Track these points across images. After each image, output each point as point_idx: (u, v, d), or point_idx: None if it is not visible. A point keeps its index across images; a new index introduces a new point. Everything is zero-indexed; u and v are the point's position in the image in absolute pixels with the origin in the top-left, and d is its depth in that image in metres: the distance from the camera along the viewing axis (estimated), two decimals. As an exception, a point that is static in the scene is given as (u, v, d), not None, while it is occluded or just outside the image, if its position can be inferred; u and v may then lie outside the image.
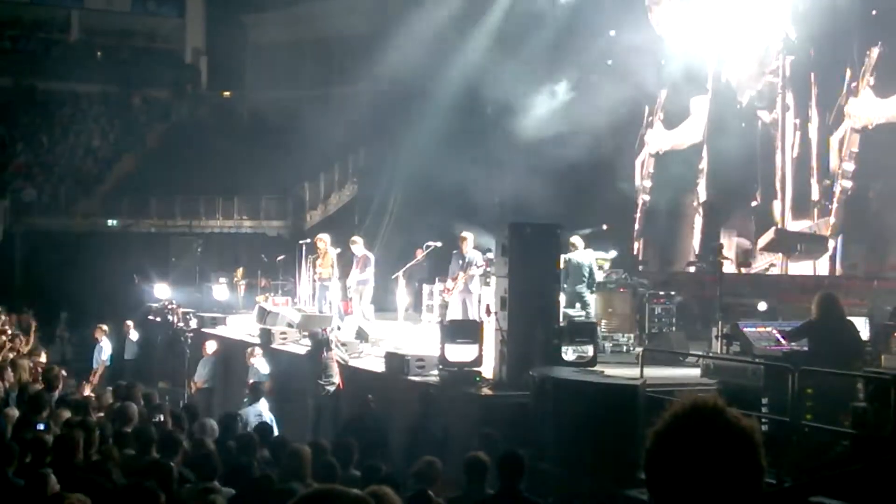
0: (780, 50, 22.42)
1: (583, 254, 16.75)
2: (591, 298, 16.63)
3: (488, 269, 16.39)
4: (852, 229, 20.43)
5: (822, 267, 21.04)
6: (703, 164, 24.09)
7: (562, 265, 16.02)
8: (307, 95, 30.97)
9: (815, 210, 21.32)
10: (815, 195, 21.36)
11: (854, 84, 20.34)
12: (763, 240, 22.34)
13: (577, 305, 16.26)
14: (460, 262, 17.79)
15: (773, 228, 22.11)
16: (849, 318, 10.99)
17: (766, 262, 21.88)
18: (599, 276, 17.86)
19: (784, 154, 22.14)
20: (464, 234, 18.10)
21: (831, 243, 20.77)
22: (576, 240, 16.91)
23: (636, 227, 25.86)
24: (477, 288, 17.68)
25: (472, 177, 24.06)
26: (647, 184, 25.81)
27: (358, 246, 19.14)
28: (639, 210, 25.68)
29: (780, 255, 21.56)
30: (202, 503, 7.53)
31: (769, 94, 22.67)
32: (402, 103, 23.95)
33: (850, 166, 20.27)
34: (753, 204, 22.76)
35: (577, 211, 22.62)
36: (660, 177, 25.42)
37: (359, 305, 18.92)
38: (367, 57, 25.43)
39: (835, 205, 20.57)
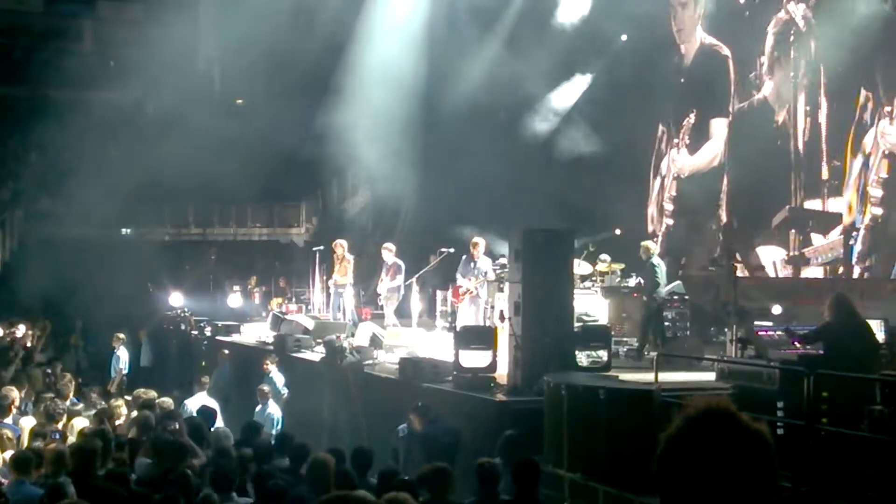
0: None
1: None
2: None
3: (501, 276, 16.40)
4: (880, 251, 20.37)
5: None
6: (724, 187, 24.05)
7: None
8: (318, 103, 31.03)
9: (825, 189, 21.41)
10: (824, 175, 21.46)
11: (888, 108, 20.26)
12: (776, 219, 22.38)
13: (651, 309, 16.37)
14: (471, 265, 17.80)
15: (787, 207, 22.15)
16: (864, 319, 10.96)
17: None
18: (613, 281, 17.91)
19: (796, 141, 22.17)
20: (475, 239, 18.12)
21: (846, 219, 20.81)
22: (651, 244, 17.13)
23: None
24: (485, 294, 17.71)
25: (486, 182, 24.06)
26: (670, 207, 25.75)
27: (389, 253, 19.21)
28: (661, 234, 25.56)
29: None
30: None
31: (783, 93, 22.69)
32: (416, 106, 23.94)
33: (878, 192, 20.23)
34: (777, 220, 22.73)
35: (589, 216, 22.66)
36: (680, 200, 25.44)
37: (392, 313, 18.98)
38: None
39: (862, 232, 20.55)
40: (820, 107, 21.67)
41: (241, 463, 9.55)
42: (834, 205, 21.26)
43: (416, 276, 19.23)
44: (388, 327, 18.19)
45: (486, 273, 17.62)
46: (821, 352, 10.87)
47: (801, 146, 22.13)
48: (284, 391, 16.24)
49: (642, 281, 17.59)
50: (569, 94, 26.17)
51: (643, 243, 17.13)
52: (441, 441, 11.38)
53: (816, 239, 21.62)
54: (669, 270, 17.93)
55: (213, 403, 14.82)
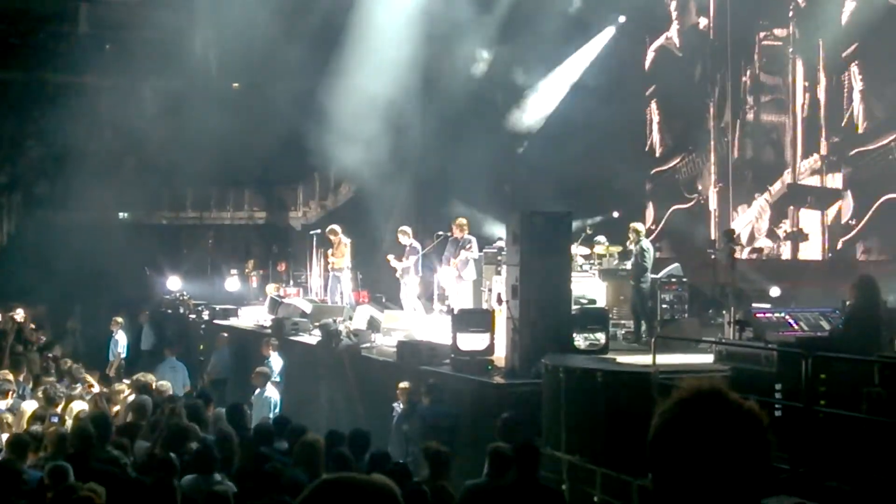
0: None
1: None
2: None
3: (499, 258, 16.39)
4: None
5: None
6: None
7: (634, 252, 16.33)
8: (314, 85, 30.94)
9: (824, 165, 21.50)
10: (822, 150, 21.54)
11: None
12: (775, 195, 22.43)
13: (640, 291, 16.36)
14: (456, 246, 17.88)
15: (785, 183, 22.19)
16: (885, 301, 10.92)
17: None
18: (611, 264, 17.89)
19: (795, 116, 22.20)
20: (459, 219, 18.20)
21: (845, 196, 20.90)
22: (640, 225, 17.08)
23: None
24: (470, 274, 17.72)
25: (480, 165, 24.02)
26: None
27: (406, 236, 19.22)
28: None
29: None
30: (203, 496, 7.55)
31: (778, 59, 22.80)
32: (414, 87, 23.89)
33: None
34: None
35: (587, 199, 22.63)
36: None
37: (406, 295, 19.02)
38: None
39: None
40: (819, 82, 21.73)
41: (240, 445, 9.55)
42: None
43: (413, 259, 19.23)
44: (388, 310, 18.23)
45: (468, 247, 17.64)
46: (820, 334, 10.87)
47: (799, 121, 22.26)
48: (277, 378, 16.18)
49: (628, 265, 17.62)
50: (567, 73, 26.10)
51: (632, 225, 17.06)
52: (441, 423, 11.42)
53: (814, 215, 21.72)
54: (670, 253, 17.92)
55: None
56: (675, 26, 25.94)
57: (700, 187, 24.89)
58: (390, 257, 19.50)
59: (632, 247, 16.82)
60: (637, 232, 16.79)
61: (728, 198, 23.88)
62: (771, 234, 22.66)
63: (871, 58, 20.47)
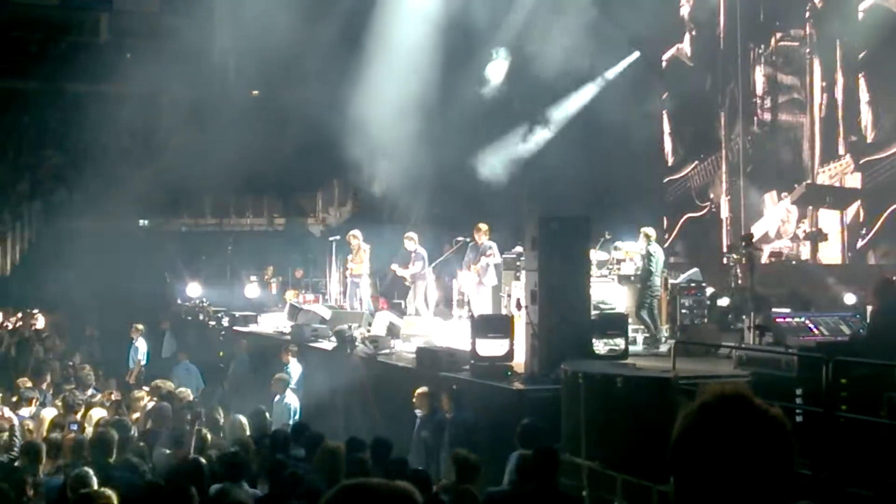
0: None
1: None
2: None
3: (518, 264, 16.36)
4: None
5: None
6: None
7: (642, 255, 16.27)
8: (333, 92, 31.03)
9: (840, 165, 21.49)
10: (840, 150, 21.56)
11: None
12: (794, 195, 22.37)
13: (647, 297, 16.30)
14: (475, 255, 17.89)
15: (804, 183, 22.12)
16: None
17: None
18: (631, 269, 17.82)
19: (812, 115, 22.15)
20: (479, 224, 18.20)
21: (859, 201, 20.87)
22: (650, 230, 17.01)
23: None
24: (491, 280, 17.70)
25: (500, 171, 24.03)
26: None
27: (411, 242, 19.23)
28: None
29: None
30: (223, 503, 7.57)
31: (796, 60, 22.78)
32: (434, 94, 23.90)
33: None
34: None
35: (606, 204, 22.59)
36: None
37: (413, 301, 19.03)
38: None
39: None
40: (836, 82, 21.68)
41: (257, 452, 9.56)
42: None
43: (432, 265, 19.22)
44: (406, 316, 18.21)
45: (488, 253, 17.63)
46: (839, 339, 10.80)
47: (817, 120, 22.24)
48: (295, 385, 16.19)
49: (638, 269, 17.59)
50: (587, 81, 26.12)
51: (643, 230, 17.01)
52: (463, 429, 11.39)
53: (833, 215, 21.65)
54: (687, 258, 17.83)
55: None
56: (686, 36, 25.98)
57: (712, 195, 24.90)
58: (394, 266, 19.49)
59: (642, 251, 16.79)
60: (647, 236, 16.74)
61: (741, 204, 23.85)
62: (792, 236, 22.63)
63: (878, 68, 20.51)
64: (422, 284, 19.08)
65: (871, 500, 8.07)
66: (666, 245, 21.35)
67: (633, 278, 17.12)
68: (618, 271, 17.80)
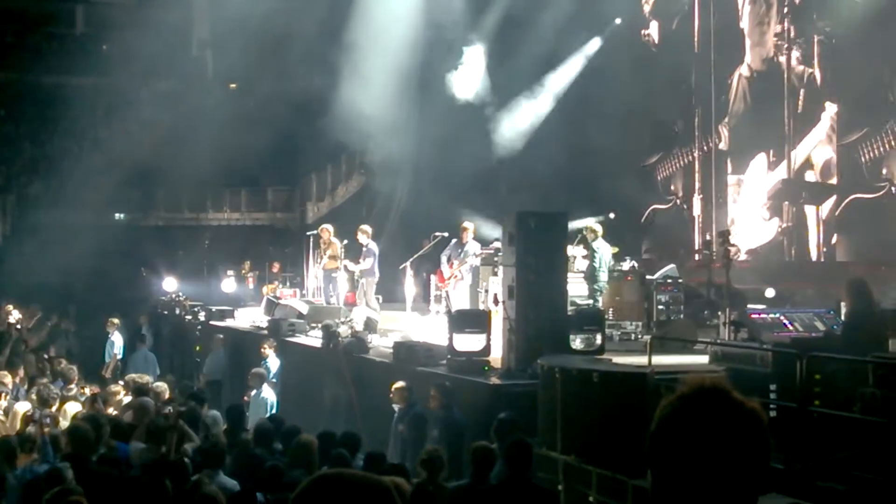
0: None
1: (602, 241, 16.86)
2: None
3: (496, 259, 16.40)
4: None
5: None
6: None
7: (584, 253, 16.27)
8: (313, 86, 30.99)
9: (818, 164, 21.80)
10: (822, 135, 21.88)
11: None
12: (770, 190, 22.53)
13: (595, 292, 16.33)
14: (459, 250, 17.90)
15: (780, 179, 22.27)
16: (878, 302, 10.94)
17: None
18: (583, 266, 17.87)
19: (788, 110, 22.29)
20: (465, 224, 18.20)
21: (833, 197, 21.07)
22: (597, 226, 17.02)
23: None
24: (470, 278, 17.74)
25: (479, 166, 24.04)
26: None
27: (362, 236, 19.19)
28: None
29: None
30: (197, 493, 7.55)
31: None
32: (413, 89, 23.92)
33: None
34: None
35: (583, 199, 22.64)
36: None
37: (363, 296, 19.00)
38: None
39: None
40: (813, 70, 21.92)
41: (234, 446, 9.56)
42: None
43: (410, 260, 19.21)
44: (360, 311, 18.21)
45: (471, 254, 17.66)
46: (814, 335, 10.88)
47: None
48: (274, 380, 16.15)
49: (624, 266, 17.64)
50: (565, 75, 26.17)
51: (587, 225, 17.06)
52: (455, 431, 11.33)
53: (809, 210, 21.80)
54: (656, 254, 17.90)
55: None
56: (653, 24, 26.09)
57: (673, 188, 25.07)
58: (347, 263, 19.34)
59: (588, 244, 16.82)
60: (594, 232, 16.80)
61: (711, 200, 23.99)
62: (767, 231, 22.80)
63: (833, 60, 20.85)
64: (371, 281, 19.04)
65: (844, 495, 8.15)
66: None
67: (618, 274, 17.24)
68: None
